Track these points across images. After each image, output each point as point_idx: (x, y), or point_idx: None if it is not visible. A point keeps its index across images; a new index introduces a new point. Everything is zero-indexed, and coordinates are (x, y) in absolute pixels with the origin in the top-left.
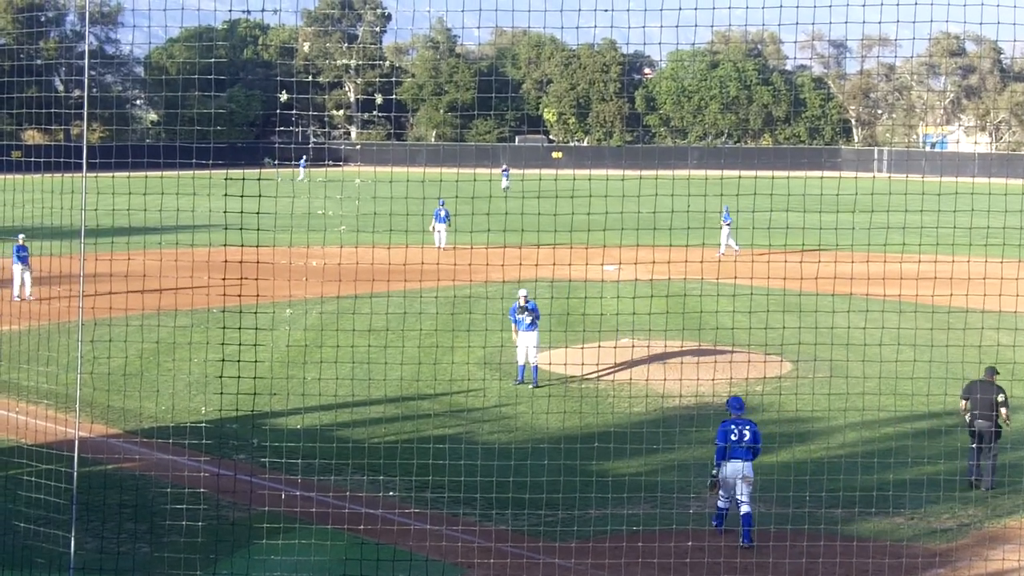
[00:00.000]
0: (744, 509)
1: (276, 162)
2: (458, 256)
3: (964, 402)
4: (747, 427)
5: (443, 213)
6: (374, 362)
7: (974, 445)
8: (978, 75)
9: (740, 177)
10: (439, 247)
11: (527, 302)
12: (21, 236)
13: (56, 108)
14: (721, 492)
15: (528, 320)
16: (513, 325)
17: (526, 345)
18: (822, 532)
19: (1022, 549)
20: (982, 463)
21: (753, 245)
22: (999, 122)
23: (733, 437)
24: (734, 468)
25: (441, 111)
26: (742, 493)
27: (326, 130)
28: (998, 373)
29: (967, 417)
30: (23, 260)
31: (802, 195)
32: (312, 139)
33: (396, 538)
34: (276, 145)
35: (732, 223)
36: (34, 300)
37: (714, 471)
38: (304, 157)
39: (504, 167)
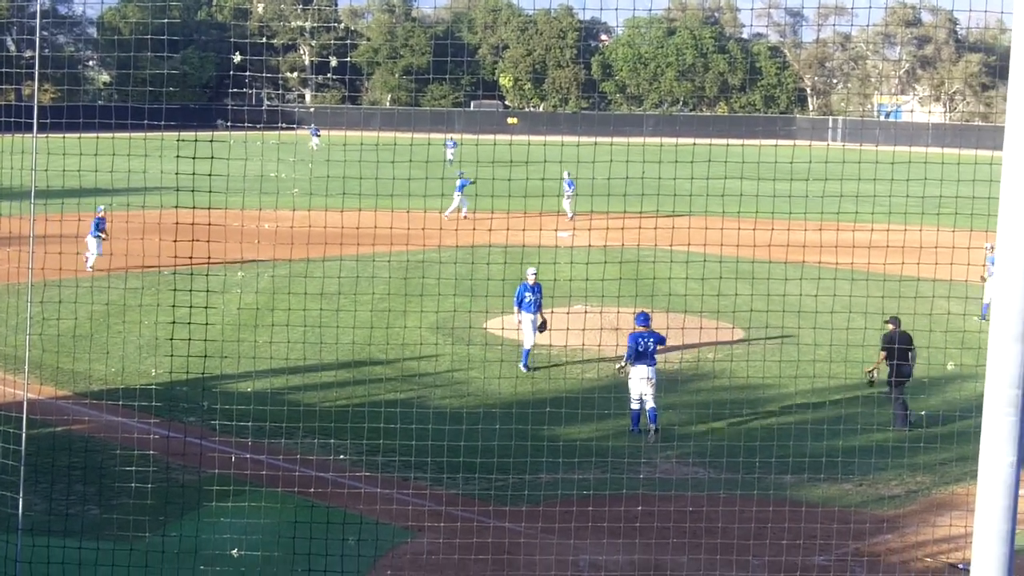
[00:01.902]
0: (649, 405)
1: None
2: (412, 221)
3: (883, 353)
4: (651, 339)
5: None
6: (326, 326)
7: (894, 395)
8: (933, 45)
9: (695, 145)
10: (463, 215)
11: (535, 283)
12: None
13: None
14: (632, 396)
15: (529, 299)
16: (516, 307)
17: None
18: (771, 498)
19: (969, 515)
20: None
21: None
22: (953, 92)
23: (640, 348)
24: (640, 373)
25: (396, 75)
26: (647, 394)
27: (280, 92)
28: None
29: (887, 367)
30: None
31: (756, 163)
32: (266, 102)
33: (347, 501)
34: (229, 107)
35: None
36: None
37: (623, 363)
38: (314, 125)
39: (449, 138)
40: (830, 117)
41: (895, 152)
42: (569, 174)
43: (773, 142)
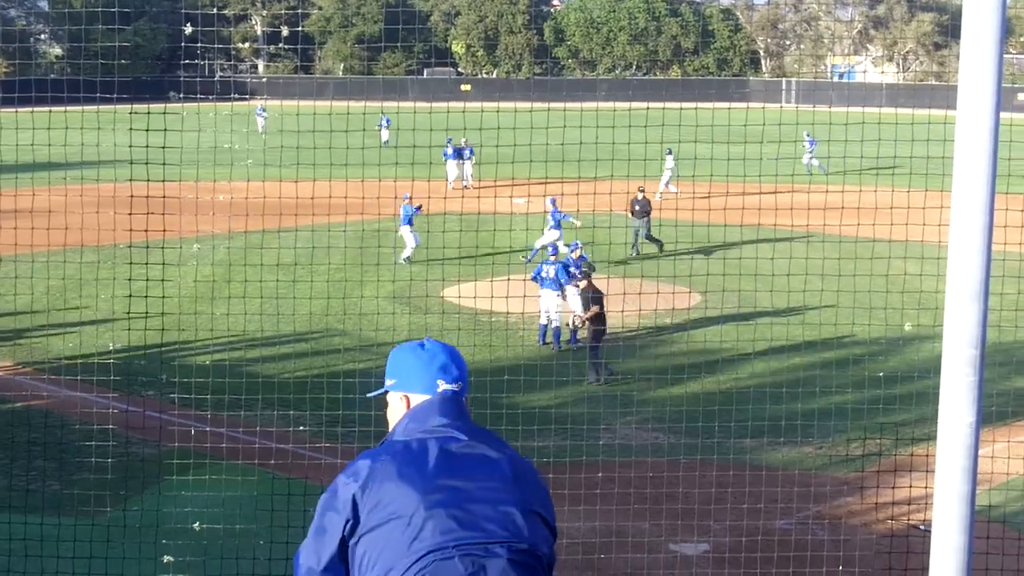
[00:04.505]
0: (554, 324)
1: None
2: (366, 190)
3: (595, 308)
4: (554, 267)
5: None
6: (283, 297)
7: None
8: (885, 5)
9: (648, 108)
10: (466, 184)
11: (572, 258)
12: None
13: None
14: (542, 313)
15: (552, 276)
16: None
17: (547, 304)
18: (731, 462)
19: (929, 476)
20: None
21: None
22: (906, 52)
23: (543, 274)
24: (547, 295)
25: (349, 44)
26: (552, 312)
27: (232, 63)
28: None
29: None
30: None
31: (710, 126)
32: (218, 73)
33: (307, 472)
34: (181, 79)
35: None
36: None
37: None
38: (260, 106)
39: (384, 117)
40: (783, 79)
41: (848, 113)
42: (467, 141)
43: (727, 105)
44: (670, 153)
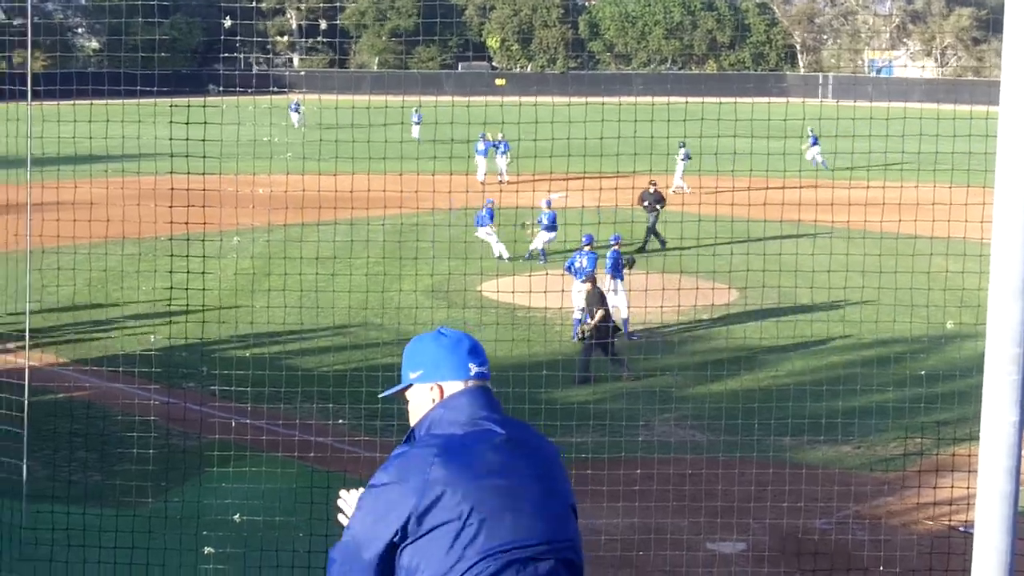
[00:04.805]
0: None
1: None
2: (404, 184)
3: (601, 312)
4: (587, 258)
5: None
6: (322, 290)
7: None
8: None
9: (687, 103)
10: (501, 179)
11: (617, 251)
12: None
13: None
14: (575, 308)
15: (586, 266)
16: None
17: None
18: (771, 460)
19: (971, 476)
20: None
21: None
22: (944, 47)
23: (577, 265)
24: (576, 287)
25: (383, 38)
26: (581, 307)
27: (269, 57)
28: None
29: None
30: None
31: (749, 121)
32: (254, 66)
33: (346, 466)
34: (220, 72)
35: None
36: None
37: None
38: (295, 102)
39: (416, 113)
40: (820, 74)
41: (889, 108)
42: (503, 136)
43: (766, 99)
44: (683, 146)
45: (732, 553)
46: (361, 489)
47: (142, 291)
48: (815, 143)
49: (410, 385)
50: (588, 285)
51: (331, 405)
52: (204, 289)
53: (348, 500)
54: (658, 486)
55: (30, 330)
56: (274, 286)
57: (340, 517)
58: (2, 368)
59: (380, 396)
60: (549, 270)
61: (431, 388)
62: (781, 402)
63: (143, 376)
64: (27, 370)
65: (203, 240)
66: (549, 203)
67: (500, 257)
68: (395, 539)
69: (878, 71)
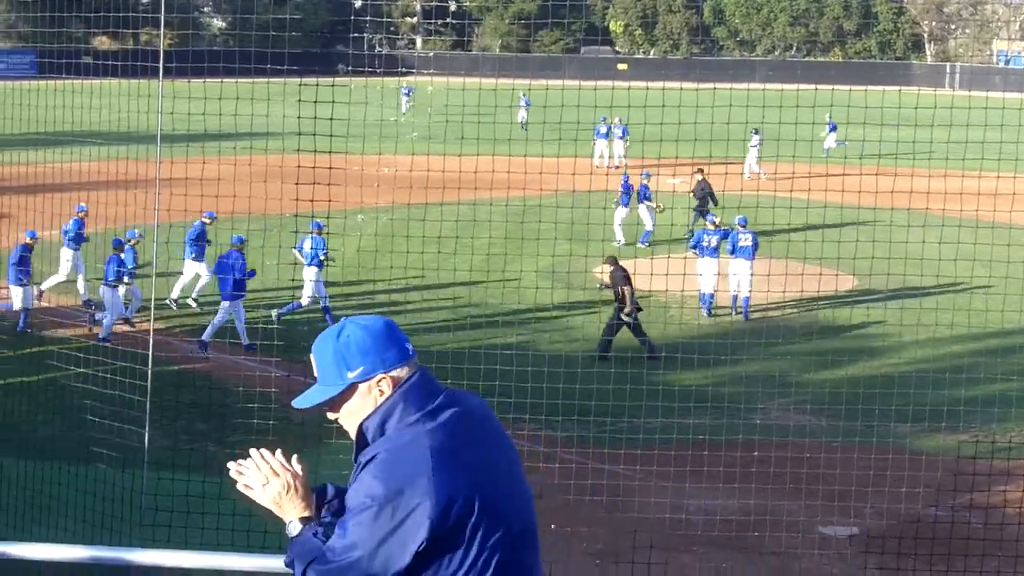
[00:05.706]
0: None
1: (349, 68)
2: (528, 165)
3: (626, 289)
4: (716, 236)
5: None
6: (442, 269)
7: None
8: None
9: (816, 89)
10: (618, 164)
11: (735, 226)
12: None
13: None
14: (703, 283)
15: (714, 244)
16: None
17: (708, 273)
18: (890, 445)
19: None
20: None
21: (828, 160)
22: None
23: (703, 243)
24: (707, 264)
25: (506, 21)
26: (712, 285)
27: (394, 38)
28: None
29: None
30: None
31: (879, 108)
32: (378, 48)
33: None
34: (350, 53)
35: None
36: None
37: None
38: (406, 85)
39: (523, 96)
40: (948, 64)
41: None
42: (621, 120)
43: (896, 88)
44: (756, 132)
45: (844, 536)
46: (278, 453)
47: (267, 266)
48: (833, 129)
49: (350, 385)
50: (609, 266)
51: (448, 381)
52: (327, 265)
53: (260, 465)
54: (774, 468)
55: (155, 301)
56: (395, 263)
57: (241, 486)
58: (127, 339)
59: (305, 408)
60: (671, 254)
61: (378, 382)
62: (900, 389)
63: (263, 350)
64: (151, 340)
65: (327, 217)
66: (630, 186)
67: (620, 242)
68: (420, 549)
69: (1006, 62)
